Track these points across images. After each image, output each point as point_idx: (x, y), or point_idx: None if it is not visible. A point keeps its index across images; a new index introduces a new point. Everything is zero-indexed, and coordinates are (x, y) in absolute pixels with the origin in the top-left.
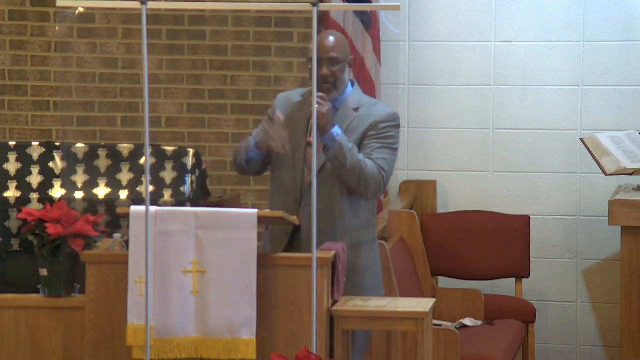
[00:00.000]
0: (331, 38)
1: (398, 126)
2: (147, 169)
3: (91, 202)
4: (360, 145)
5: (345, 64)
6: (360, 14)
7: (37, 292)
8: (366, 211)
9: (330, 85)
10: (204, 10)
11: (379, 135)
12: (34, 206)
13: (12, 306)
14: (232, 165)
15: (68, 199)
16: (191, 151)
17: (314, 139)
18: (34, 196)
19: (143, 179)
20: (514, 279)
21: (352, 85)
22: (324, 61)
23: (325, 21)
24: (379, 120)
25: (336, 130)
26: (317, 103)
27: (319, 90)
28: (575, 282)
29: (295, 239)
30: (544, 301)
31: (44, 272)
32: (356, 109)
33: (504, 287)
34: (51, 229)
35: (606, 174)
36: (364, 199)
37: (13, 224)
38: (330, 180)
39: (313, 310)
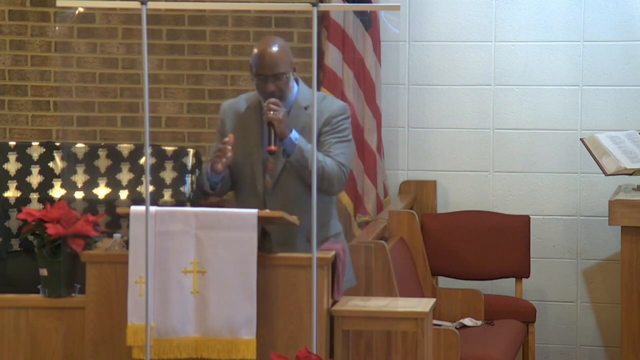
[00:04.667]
0: (273, 51)
1: (349, 117)
2: (147, 169)
3: (91, 202)
4: (317, 141)
5: (290, 72)
6: (360, 14)
7: (37, 292)
8: (326, 206)
9: (277, 98)
10: (204, 10)
11: (334, 130)
12: (34, 206)
13: (12, 306)
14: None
15: (68, 199)
16: (191, 151)
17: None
18: (34, 196)
19: (143, 179)
20: (514, 279)
21: (297, 83)
22: (269, 78)
23: (325, 21)
24: (332, 115)
25: (294, 135)
26: (271, 110)
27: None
28: (575, 282)
29: (264, 247)
30: (544, 301)
31: (44, 272)
32: (306, 107)
33: (504, 287)
34: (51, 229)
35: (606, 174)
36: (327, 195)
37: (13, 224)
38: (291, 182)
39: (313, 310)
